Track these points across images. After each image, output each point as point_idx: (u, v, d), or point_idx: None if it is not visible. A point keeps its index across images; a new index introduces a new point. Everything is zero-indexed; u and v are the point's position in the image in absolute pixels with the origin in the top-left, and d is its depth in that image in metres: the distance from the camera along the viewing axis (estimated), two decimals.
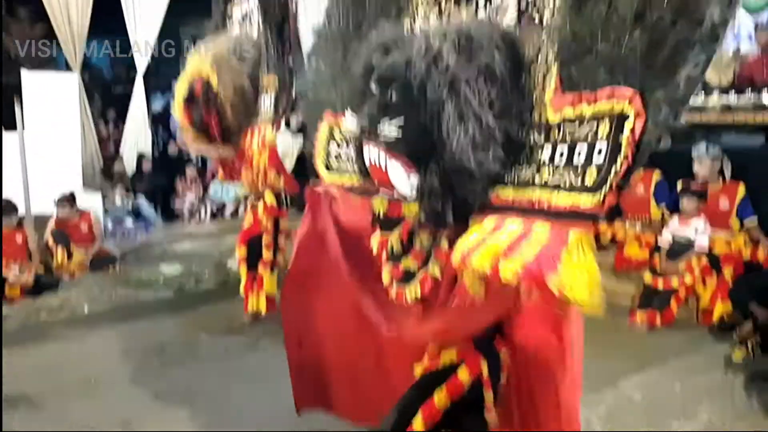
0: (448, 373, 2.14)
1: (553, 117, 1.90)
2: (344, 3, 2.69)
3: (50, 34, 8.48)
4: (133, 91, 9.25)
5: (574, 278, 1.66)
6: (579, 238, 1.73)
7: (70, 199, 6.50)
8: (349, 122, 2.12)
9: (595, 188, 1.77)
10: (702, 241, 4.70)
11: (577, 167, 1.81)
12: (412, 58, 1.91)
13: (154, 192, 8.71)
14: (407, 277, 2.20)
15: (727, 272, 4.60)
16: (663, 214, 5.24)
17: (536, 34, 2.05)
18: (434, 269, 2.15)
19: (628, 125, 1.71)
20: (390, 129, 1.93)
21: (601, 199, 1.75)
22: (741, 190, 4.85)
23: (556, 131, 1.89)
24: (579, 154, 1.81)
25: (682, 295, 4.64)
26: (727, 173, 4.91)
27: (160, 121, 10.54)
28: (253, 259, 4.76)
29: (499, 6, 2.25)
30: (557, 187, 1.85)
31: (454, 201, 1.99)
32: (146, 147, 9.26)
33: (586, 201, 1.78)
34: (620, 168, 1.73)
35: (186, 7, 10.07)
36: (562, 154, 1.86)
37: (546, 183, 1.88)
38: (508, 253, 1.74)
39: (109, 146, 9.58)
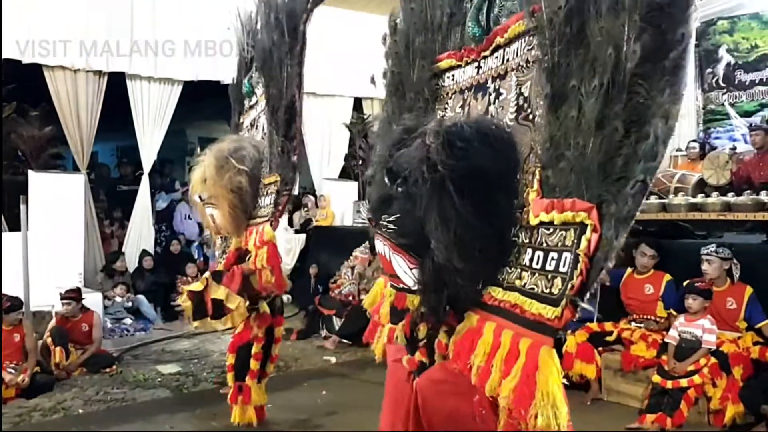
0: None
1: (533, 220, 1.92)
2: (389, 90, 2.84)
3: (59, 135, 8.69)
4: (139, 190, 9.39)
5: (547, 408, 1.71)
6: (548, 359, 1.75)
7: (75, 295, 6.46)
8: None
9: (557, 300, 1.79)
10: (709, 339, 4.63)
11: (548, 274, 1.84)
12: (412, 155, 1.96)
13: (155, 290, 8.69)
14: (422, 368, 2.25)
15: (737, 372, 4.51)
16: (669, 314, 5.19)
17: (530, 132, 2.11)
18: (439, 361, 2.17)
19: (585, 238, 1.75)
20: (387, 222, 1.98)
21: (560, 313, 1.77)
22: (748, 291, 4.82)
23: (536, 235, 1.92)
24: (552, 260, 1.84)
25: (692, 396, 4.53)
26: (736, 274, 4.89)
27: (163, 220, 10.65)
28: (240, 368, 4.65)
29: (504, 101, 2.32)
30: (531, 293, 1.87)
31: (449, 297, 2.01)
32: (149, 245, 9.31)
33: (548, 312, 1.79)
34: (576, 281, 1.75)
35: (193, 109, 10.44)
36: (537, 260, 1.90)
37: (524, 287, 1.91)
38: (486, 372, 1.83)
39: (111, 244, 9.64)
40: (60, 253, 7.63)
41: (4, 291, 5.94)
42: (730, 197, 5.59)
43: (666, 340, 4.91)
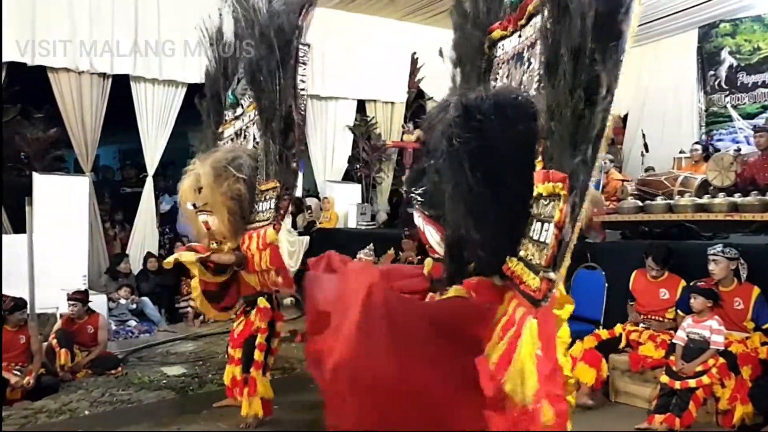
0: None
1: (536, 191, 1.93)
2: (453, 63, 2.93)
3: (63, 138, 8.69)
4: (143, 192, 9.39)
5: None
6: (528, 330, 1.77)
7: (82, 297, 6.46)
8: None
9: (539, 271, 1.82)
10: (717, 339, 4.63)
11: (541, 246, 1.85)
12: (438, 129, 1.98)
13: (160, 292, 8.67)
14: None
15: (746, 372, 4.50)
16: (677, 315, 5.18)
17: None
18: None
19: (557, 209, 1.76)
20: (417, 194, 2.04)
21: (539, 283, 1.80)
22: (756, 291, 4.81)
23: (539, 206, 1.93)
24: (544, 231, 1.85)
25: (700, 396, 4.53)
26: (743, 274, 4.89)
27: (167, 222, 10.65)
28: (247, 360, 4.73)
29: (531, 70, 2.31)
30: (530, 263, 1.90)
31: (472, 266, 2.02)
32: (153, 247, 9.30)
33: (534, 283, 1.83)
34: (548, 252, 1.77)
35: (196, 112, 10.40)
36: (536, 231, 1.91)
37: (527, 258, 1.93)
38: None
39: (115, 246, 9.63)
40: (64, 255, 7.61)
41: (10, 293, 5.92)
42: (737, 198, 5.59)
43: (674, 341, 4.90)
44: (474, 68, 2.77)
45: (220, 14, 5.56)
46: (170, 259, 4.84)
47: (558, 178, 1.77)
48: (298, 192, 9.41)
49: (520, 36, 2.51)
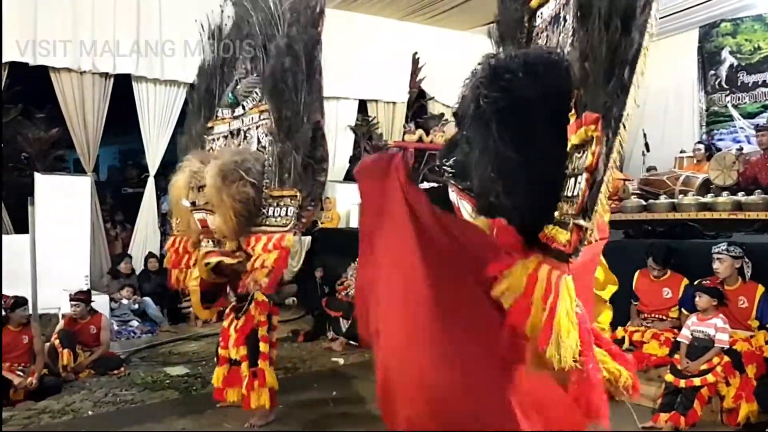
0: None
1: (569, 145, 1.82)
2: (496, 41, 2.85)
3: (65, 137, 8.69)
4: (145, 192, 9.39)
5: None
6: (563, 289, 1.70)
7: (85, 297, 6.45)
8: None
9: (567, 223, 1.71)
10: (722, 337, 4.63)
11: (573, 199, 1.74)
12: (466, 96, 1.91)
13: (161, 292, 8.66)
14: None
15: (750, 371, 4.50)
16: (681, 313, 5.18)
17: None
18: None
19: (590, 152, 1.67)
20: (447, 166, 1.93)
21: (569, 236, 1.69)
22: (760, 290, 4.82)
23: (573, 161, 1.82)
24: (577, 183, 1.74)
25: (705, 395, 4.52)
26: (748, 272, 4.89)
27: (169, 222, 10.60)
28: (252, 355, 4.74)
29: (566, 28, 2.19)
30: (561, 221, 1.78)
31: None
32: (155, 247, 9.29)
33: (563, 237, 1.72)
34: (579, 199, 1.67)
35: None
36: (569, 187, 1.80)
37: (560, 217, 1.81)
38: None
39: (117, 246, 9.61)
40: (66, 256, 7.62)
41: (12, 294, 5.91)
42: (741, 196, 5.59)
43: (678, 339, 4.90)
44: (514, 43, 2.66)
45: (222, 11, 5.56)
46: (213, 260, 4.63)
47: (591, 120, 1.66)
48: None
49: None
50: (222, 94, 5.50)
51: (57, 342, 6.16)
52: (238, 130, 5.30)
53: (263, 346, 4.74)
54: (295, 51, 4.63)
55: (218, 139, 5.49)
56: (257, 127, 5.09)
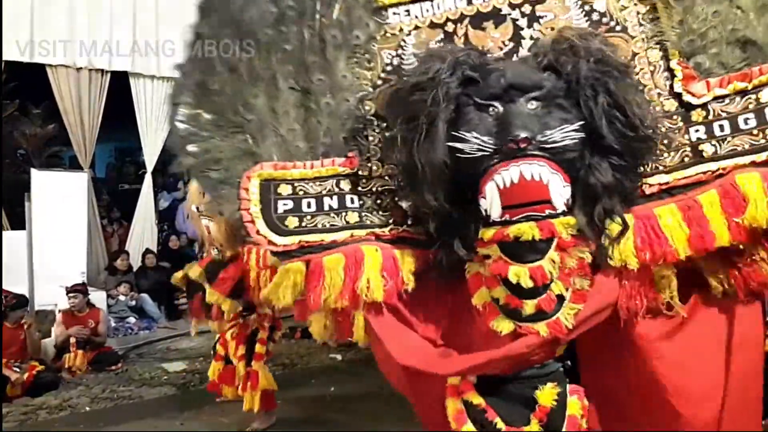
0: None
1: (696, 100, 2.06)
2: None
3: (62, 134, 8.66)
4: (142, 189, 9.37)
5: None
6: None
7: (81, 289, 6.45)
8: None
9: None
10: None
11: (751, 131, 2.02)
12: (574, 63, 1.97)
13: (159, 289, 8.65)
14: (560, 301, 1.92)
15: None
16: None
17: (624, 40, 2.14)
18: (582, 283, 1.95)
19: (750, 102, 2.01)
20: (550, 138, 1.84)
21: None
22: None
23: (707, 110, 2.07)
24: (748, 120, 2.03)
25: None
26: None
27: (166, 219, 10.61)
28: (251, 354, 4.71)
29: (550, 22, 2.18)
30: (742, 151, 2.03)
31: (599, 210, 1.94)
32: (152, 244, 9.28)
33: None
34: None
35: None
36: (722, 127, 2.05)
37: (717, 154, 2.04)
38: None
39: (114, 243, 9.60)
40: (63, 252, 7.59)
41: (9, 290, 5.91)
42: None
43: None
44: None
45: None
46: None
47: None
48: None
49: None
50: None
51: (73, 340, 6.19)
52: None
53: (259, 347, 4.70)
54: None
55: None
56: None
